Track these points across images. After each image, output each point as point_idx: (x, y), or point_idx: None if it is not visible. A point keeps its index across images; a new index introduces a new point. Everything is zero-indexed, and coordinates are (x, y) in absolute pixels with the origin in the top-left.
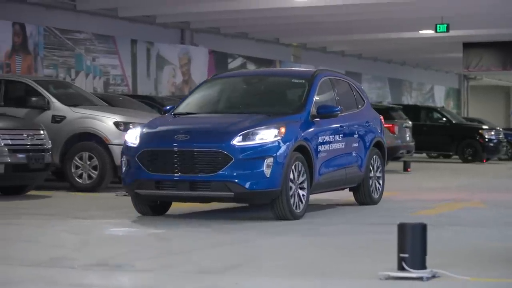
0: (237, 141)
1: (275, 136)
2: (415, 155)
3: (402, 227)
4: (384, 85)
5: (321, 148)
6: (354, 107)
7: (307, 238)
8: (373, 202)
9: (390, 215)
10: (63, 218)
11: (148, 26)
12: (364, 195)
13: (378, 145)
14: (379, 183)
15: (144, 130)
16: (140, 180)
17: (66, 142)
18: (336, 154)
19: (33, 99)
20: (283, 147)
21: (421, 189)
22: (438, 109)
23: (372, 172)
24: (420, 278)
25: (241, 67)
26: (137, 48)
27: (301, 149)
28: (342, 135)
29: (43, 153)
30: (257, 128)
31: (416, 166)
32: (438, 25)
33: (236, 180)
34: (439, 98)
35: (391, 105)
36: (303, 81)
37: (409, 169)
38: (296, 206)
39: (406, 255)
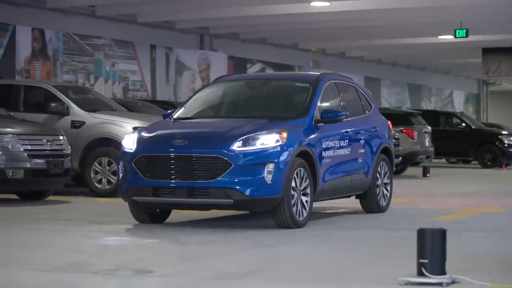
0: (237, 146)
1: (277, 141)
2: (434, 160)
3: (421, 233)
4: (403, 90)
5: (325, 154)
6: (361, 112)
7: (325, 243)
8: (380, 210)
9: (409, 220)
10: (82, 224)
11: (168, 31)
12: (371, 203)
13: (386, 151)
14: (387, 190)
15: (141, 135)
16: (137, 186)
17: (86, 147)
18: (341, 160)
19: (53, 104)
20: (285, 153)
21: (440, 194)
22: (457, 114)
23: (380, 179)
24: (439, 284)
25: (260, 72)
26: (156, 53)
27: (304, 155)
28: (347, 140)
29: (62, 159)
30: (258, 133)
31: (435, 172)
32: (457, 30)
33: (236, 187)
34: (458, 104)
35: (410, 111)
36: (307, 85)
37: (428, 175)
38: (298, 214)
39: (426, 261)
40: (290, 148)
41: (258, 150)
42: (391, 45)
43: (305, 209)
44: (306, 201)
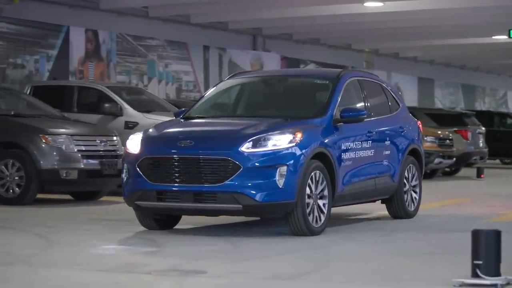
0: (246, 147)
1: (290, 142)
2: (488, 161)
3: (476, 234)
4: (457, 91)
5: (345, 156)
6: (387, 112)
7: (379, 244)
8: (408, 215)
9: (462, 221)
10: (135, 224)
11: (221, 32)
12: (398, 208)
13: (415, 153)
14: (416, 195)
15: (146, 135)
16: (141, 190)
17: None
18: (364, 163)
19: (106, 105)
20: (299, 155)
21: (495, 195)
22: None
23: (407, 182)
24: (494, 286)
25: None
26: (209, 54)
27: (321, 157)
28: (370, 141)
29: (116, 159)
30: (269, 133)
31: (489, 173)
32: (511, 31)
33: (245, 191)
34: None
35: (464, 111)
36: (327, 82)
37: (482, 176)
38: (315, 220)
39: (480, 262)
40: (305, 150)
41: (270, 151)
42: (445, 45)
43: (322, 215)
44: (324, 205)
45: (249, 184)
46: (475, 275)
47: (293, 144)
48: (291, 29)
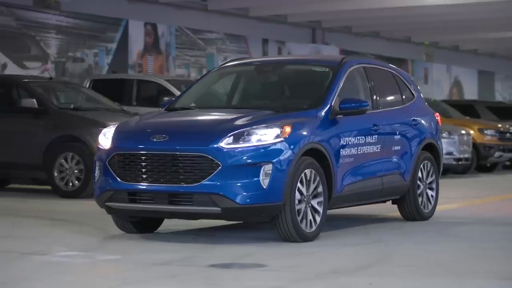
0: (226, 142)
1: (277, 136)
2: None
3: None
4: None
5: (344, 152)
6: (398, 103)
7: (438, 238)
8: (422, 217)
9: None
10: None
11: (280, 25)
12: (411, 209)
13: (431, 148)
14: (431, 194)
15: (118, 129)
16: (111, 190)
17: None
18: (368, 160)
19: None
20: (287, 151)
21: None
22: None
23: (422, 181)
24: None
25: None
26: (268, 47)
27: (315, 153)
28: (376, 136)
29: None
30: (254, 127)
31: None
32: None
33: (224, 193)
34: None
35: None
36: (327, 69)
37: None
38: (308, 224)
39: None
40: (294, 145)
41: (253, 147)
42: (506, 38)
43: (316, 219)
44: (318, 207)
45: (229, 185)
46: None
47: (281, 139)
48: (350, 22)
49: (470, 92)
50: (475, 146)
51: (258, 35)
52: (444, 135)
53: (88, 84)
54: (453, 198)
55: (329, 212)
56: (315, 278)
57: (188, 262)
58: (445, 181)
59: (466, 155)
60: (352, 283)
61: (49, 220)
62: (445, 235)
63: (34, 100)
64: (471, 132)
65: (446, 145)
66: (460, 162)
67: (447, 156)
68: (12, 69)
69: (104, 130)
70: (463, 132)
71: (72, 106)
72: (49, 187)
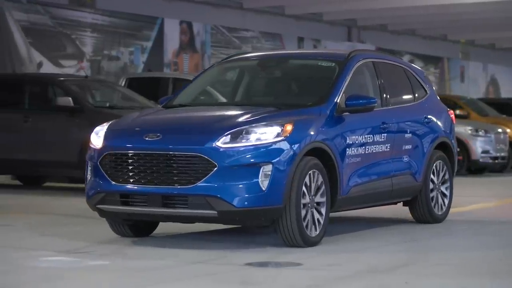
0: (223, 142)
1: (277, 135)
2: None
3: None
4: None
5: (350, 151)
6: (410, 99)
7: (475, 237)
8: (435, 219)
9: None
10: None
11: (315, 23)
12: (423, 211)
13: (444, 147)
14: (445, 196)
15: (111, 127)
16: (103, 192)
17: None
18: (377, 160)
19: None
20: (288, 151)
21: None
22: None
23: (434, 181)
24: None
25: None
26: (304, 45)
27: (319, 153)
28: (386, 134)
29: None
30: (253, 125)
31: None
32: None
33: (220, 195)
34: None
35: None
36: (333, 64)
37: None
38: (312, 228)
39: None
40: (296, 145)
41: (251, 147)
42: None
43: (320, 222)
44: (322, 211)
45: (225, 186)
46: None
47: (281, 138)
48: (386, 20)
49: (507, 90)
50: None
51: (294, 33)
52: (480, 133)
53: (123, 83)
54: (489, 196)
55: (355, 212)
56: (352, 277)
57: (224, 261)
58: (481, 179)
59: (502, 154)
60: (389, 282)
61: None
62: (482, 234)
63: (70, 98)
64: (508, 130)
65: (482, 143)
66: (496, 161)
67: (484, 155)
68: (48, 68)
69: (97, 129)
70: (499, 130)
71: (107, 105)
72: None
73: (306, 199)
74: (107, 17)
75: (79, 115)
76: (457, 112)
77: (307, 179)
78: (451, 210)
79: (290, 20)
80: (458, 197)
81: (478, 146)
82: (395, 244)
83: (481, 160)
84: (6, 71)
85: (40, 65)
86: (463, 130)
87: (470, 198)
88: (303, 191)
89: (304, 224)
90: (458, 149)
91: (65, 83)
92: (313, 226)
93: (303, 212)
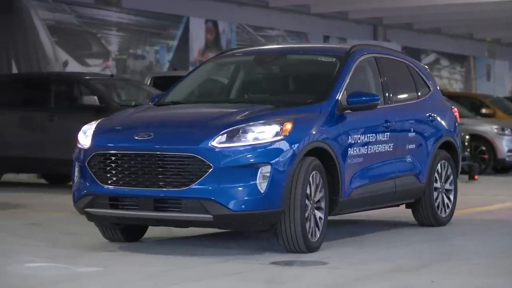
0: (218, 141)
1: (276, 134)
2: None
3: None
4: None
5: (352, 151)
6: (413, 97)
7: (501, 236)
8: (439, 222)
9: None
10: None
11: (341, 22)
12: (426, 213)
13: (448, 146)
14: (449, 197)
15: (99, 126)
16: (91, 195)
17: None
18: (379, 160)
19: None
20: (288, 151)
21: None
22: None
23: (438, 182)
24: None
25: (434, 63)
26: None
27: (319, 153)
28: (388, 133)
29: None
30: (250, 124)
31: None
32: None
33: (215, 198)
34: None
35: None
36: (334, 59)
37: None
38: (313, 233)
39: None
40: (296, 144)
41: (249, 147)
42: None
43: (319, 226)
44: (320, 217)
45: (221, 189)
46: None
47: (280, 137)
48: (412, 19)
49: None
50: None
51: (319, 32)
52: (506, 132)
53: (149, 81)
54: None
55: (376, 212)
56: (377, 276)
57: (249, 260)
58: (507, 179)
59: None
60: (414, 281)
61: None
62: (508, 234)
63: (96, 97)
64: None
65: (508, 142)
66: None
67: (510, 154)
68: (74, 67)
69: (85, 127)
70: None
71: (133, 103)
72: None
73: (309, 203)
74: (133, 16)
75: (104, 114)
76: (483, 111)
77: (311, 182)
78: (477, 209)
79: (316, 19)
80: (484, 196)
81: (504, 145)
82: (422, 243)
83: (507, 159)
84: (32, 70)
85: (65, 64)
86: (489, 129)
87: (495, 197)
88: (307, 194)
89: (308, 227)
90: (484, 148)
91: (91, 82)
92: (315, 231)
93: (306, 217)
